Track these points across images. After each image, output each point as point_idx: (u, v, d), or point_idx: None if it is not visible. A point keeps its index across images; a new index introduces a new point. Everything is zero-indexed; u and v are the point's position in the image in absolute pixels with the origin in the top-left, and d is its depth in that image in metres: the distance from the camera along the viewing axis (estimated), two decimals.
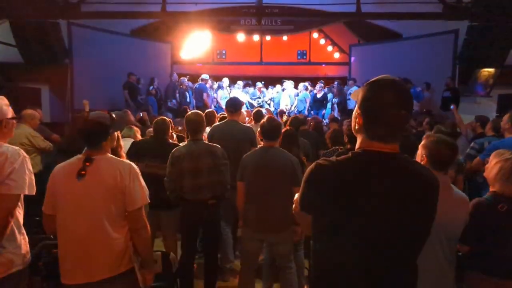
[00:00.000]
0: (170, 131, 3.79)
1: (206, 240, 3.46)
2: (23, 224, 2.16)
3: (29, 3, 7.27)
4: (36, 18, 7.49)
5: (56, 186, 2.10)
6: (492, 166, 2.22)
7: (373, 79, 1.34)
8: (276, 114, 8.58)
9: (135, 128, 4.54)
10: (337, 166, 1.28)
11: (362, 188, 1.25)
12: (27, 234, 2.23)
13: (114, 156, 2.19)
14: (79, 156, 2.13)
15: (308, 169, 1.36)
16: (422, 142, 2.09)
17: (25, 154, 2.04)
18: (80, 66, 9.43)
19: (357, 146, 1.36)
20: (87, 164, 2.06)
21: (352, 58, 12.21)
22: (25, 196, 2.10)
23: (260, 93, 11.57)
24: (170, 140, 3.82)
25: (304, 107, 10.97)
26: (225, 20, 11.44)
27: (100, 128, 2.15)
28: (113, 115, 2.30)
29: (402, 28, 10.59)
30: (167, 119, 3.84)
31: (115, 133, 2.30)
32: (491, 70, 8.56)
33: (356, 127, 1.36)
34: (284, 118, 7.89)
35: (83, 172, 2.04)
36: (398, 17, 8.16)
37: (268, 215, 2.98)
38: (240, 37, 11.71)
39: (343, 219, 1.26)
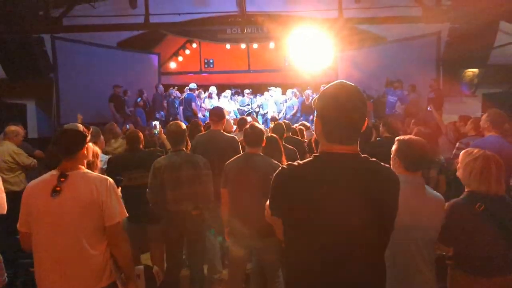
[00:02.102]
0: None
1: (191, 252, 3.41)
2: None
3: (11, 18, 7.21)
4: (18, 32, 7.42)
5: (30, 204, 2.05)
6: (463, 167, 2.21)
7: (326, 87, 1.41)
8: (265, 121, 8.55)
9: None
10: (298, 169, 1.36)
11: (322, 187, 1.31)
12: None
13: (89, 171, 2.16)
14: (53, 172, 2.09)
15: (274, 174, 1.43)
16: (394, 146, 2.11)
17: None
18: (66, 80, 9.37)
19: (319, 150, 1.42)
20: (62, 180, 2.03)
21: (339, 63, 12.32)
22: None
23: (249, 100, 11.63)
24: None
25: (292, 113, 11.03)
26: (211, 29, 11.47)
27: (76, 135, 2.14)
28: (90, 127, 2.29)
29: (386, 32, 10.73)
30: (138, 130, 3.89)
31: (92, 147, 2.28)
32: (475, 70, 8.69)
33: (317, 133, 1.42)
34: (271, 125, 7.89)
35: (58, 189, 2.01)
36: (379, 21, 8.29)
37: (252, 221, 2.94)
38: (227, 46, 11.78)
39: (307, 219, 1.31)
